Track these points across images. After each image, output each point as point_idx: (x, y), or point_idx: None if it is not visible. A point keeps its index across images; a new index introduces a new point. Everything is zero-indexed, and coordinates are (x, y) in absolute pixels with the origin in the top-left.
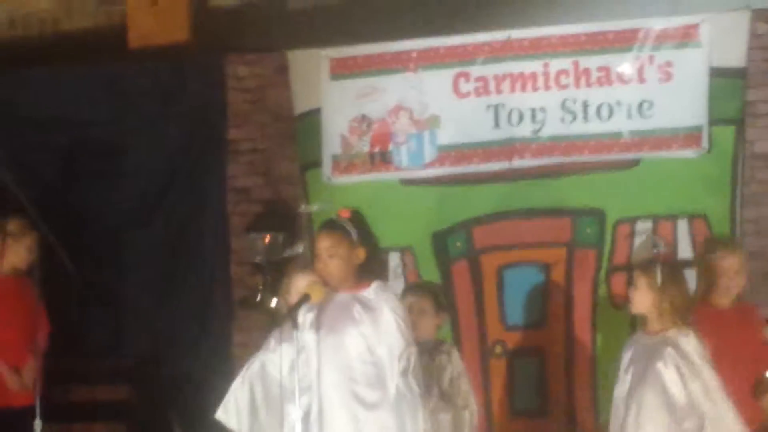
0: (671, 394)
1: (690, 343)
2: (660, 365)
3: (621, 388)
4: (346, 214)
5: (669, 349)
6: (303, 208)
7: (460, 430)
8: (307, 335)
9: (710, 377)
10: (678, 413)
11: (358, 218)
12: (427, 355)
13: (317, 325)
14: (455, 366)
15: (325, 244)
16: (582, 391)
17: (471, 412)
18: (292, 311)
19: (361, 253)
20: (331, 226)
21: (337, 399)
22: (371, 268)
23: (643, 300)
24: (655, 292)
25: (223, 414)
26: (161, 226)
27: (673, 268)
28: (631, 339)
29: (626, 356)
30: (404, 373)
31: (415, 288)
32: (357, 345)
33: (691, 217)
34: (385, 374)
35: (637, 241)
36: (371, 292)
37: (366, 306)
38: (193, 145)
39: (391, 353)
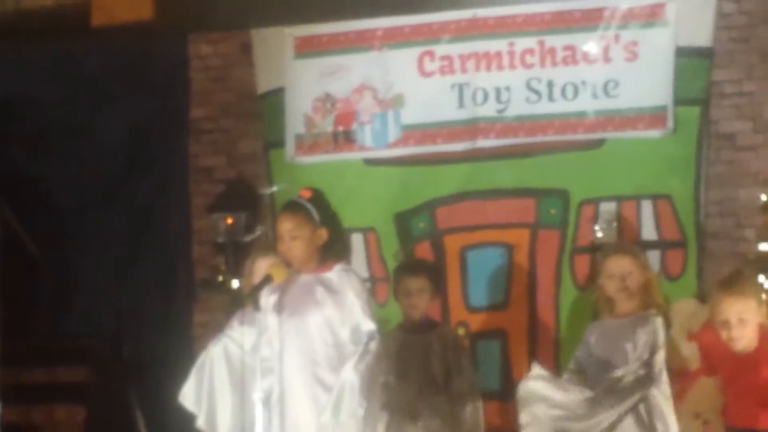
0: (632, 370)
1: (653, 327)
2: (628, 346)
3: (582, 361)
4: (307, 194)
5: (639, 330)
6: (265, 189)
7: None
8: (269, 317)
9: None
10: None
11: (319, 198)
12: (427, 335)
13: (279, 307)
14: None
15: (287, 225)
16: None
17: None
18: (254, 292)
19: (323, 234)
20: (293, 207)
21: (299, 381)
22: (334, 249)
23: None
24: (645, 270)
25: (182, 397)
26: (123, 206)
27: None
28: (597, 322)
29: (591, 336)
30: (361, 359)
31: (411, 268)
32: (320, 327)
33: (656, 198)
34: (347, 355)
35: (600, 221)
36: (334, 273)
37: (329, 288)
38: (155, 125)
39: (354, 333)
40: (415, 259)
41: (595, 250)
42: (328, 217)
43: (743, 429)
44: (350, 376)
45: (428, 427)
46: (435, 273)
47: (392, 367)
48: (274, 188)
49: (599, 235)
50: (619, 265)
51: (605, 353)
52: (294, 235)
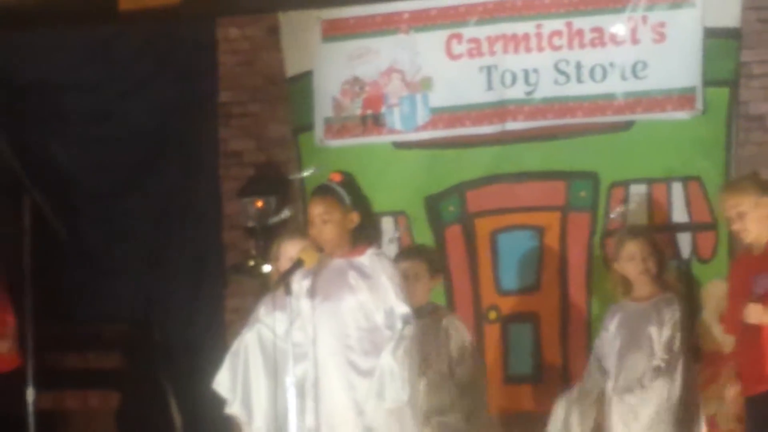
0: (658, 356)
1: (676, 309)
2: (652, 330)
3: (601, 351)
4: (337, 177)
5: (663, 314)
6: (295, 173)
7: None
8: (302, 302)
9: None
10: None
11: (350, 182)
12: (427, 319)
13: (312, 292)
14: (463, 336)
15: (318, 209)
16: (576, 356)
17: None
18: (285, 277)
19: (354, 218)
20: (324, 190)
21: (333, 366)
22: (366, 233)
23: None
24: (654, 255)
25: (217, 384)
26: (153, 191)
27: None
28: (616, 306)
29: (612, 322)
30: (398, 344)
31: (408, 253)
32: (353, 312)
33: (686, 180)
34: (382, 342)
35: (631, 203)
36: (367, 258)
37: (362, 272)
38: (184, 109)
39: (388, 321)
40: (415, 245)
41: (610, 234)
42: (359, 201)
43: (757, 395)
44: (389, 361)
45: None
46: (433, 257)
47: None
48: (305, 173)
49: (612, 217)
50: (639, 247)
51: (628, 338)
52: (325, 219)
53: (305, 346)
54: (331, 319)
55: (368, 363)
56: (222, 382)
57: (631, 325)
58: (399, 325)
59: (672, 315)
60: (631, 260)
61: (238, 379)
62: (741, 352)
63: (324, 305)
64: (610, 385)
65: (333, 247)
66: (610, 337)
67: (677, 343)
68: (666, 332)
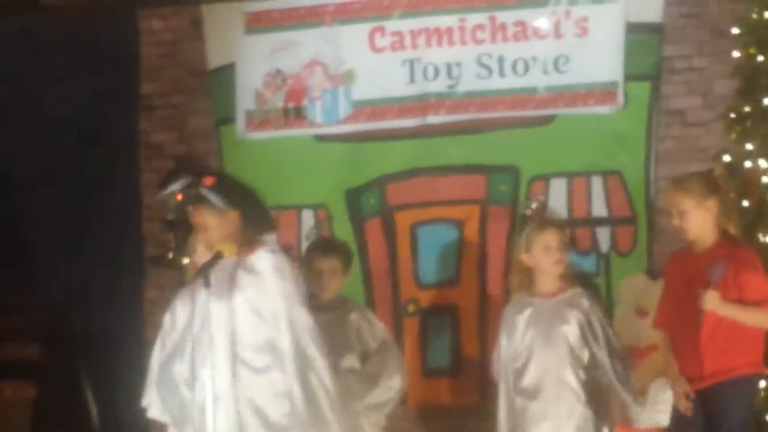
0: (576, 355)
1: (588, 304)
2: (566, 328)
3: (513, 349)
4: (209, 182)
5: (574, 312)
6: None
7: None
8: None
9: (613, 339)
10: (579, 376)
11: (223, 181)
12: (336, 312)
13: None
14: (377, 329)
15: (196, 219)
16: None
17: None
18: (204, 269)
19: (233, 216)
20: (196, 198)
21: (225, 364)
22: (253, 226)
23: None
24: (564, 251)
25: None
26: (72, 181)
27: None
28: (519, 301)
29: (520, 317)
30: (295, 334)
31: (324, 248)
32: (243, 310)
33: (606, 174)
34: (273, 338)
35: (551, 197)
36: (256, 256)
37: (250, 270)
38: (105, 100)
39: (276, 316)
40: (327, 239)
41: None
42: (234, 198)
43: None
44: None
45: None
46: (347, 253)
47: None
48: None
49: (525, 210)
50: (556, 237)
51: (540, 337)
52: (203, 228)
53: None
54: (221, 319)
55: (261, 360)
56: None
57: (544, 322)
58: (283, 324)
59: (594, 311)
60: (546, 250)
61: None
62: (678, 349)
63: (215, 305)
64: (505, 388)
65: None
66: (518, 335)
67: (614, 342)
68: (584, 331)
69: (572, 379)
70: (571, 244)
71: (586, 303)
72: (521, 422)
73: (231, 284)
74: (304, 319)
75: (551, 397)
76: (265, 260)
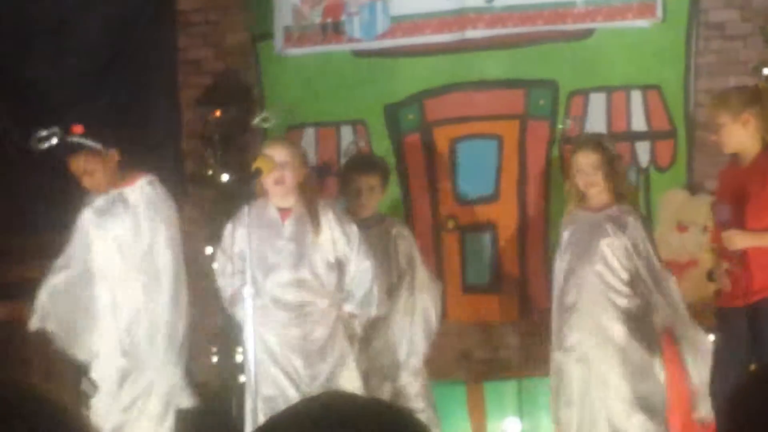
0: (614, 269)
1: (635, 221)
2: (603, 243)
3: (560, 265)
4: (78, 130)
5: (616, 226)
6: (257, 121)
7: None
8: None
9: (655, 259)
10: (619, 291)
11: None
12: (375, 229)
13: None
14: (411, 244)
15: (76, 165)
16: (534, 265)
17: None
18: (245, 186)
19: (114, 155)
20: (75, 147)
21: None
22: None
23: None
24: (604, 167)
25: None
26: (109, 99)
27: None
28: (570, 216)
29: (565, 233)
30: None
31: (365, 165)
32: (117, 241)
33: (645, 89)
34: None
35: (590, 112)
36: (134, 188)
37: (125, 204)
38: (142, 17)
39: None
40: (365, 156)
41: (565, 142)
42: (111, 137)
43: (733, 307)
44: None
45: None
46: (385, 170)
47: None
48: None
49: (560, 127)
50: (587, 159)
51: (579, 249)
52: (86, 170)
53: None
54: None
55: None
56: None
57: (583, 237)
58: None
59: (634, 227)
60: (579, 172)
61: None
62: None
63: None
64: (554, 305)
65: (102, 187)
66: (560, 251)
67: (655, 263)
68: (626, 246)
69: (610, 295)
70: (616, 161)
71: (630, 218)
72: (560, 338)
73: (110, 218)
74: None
75: (586, 312)
76: (140, 193)
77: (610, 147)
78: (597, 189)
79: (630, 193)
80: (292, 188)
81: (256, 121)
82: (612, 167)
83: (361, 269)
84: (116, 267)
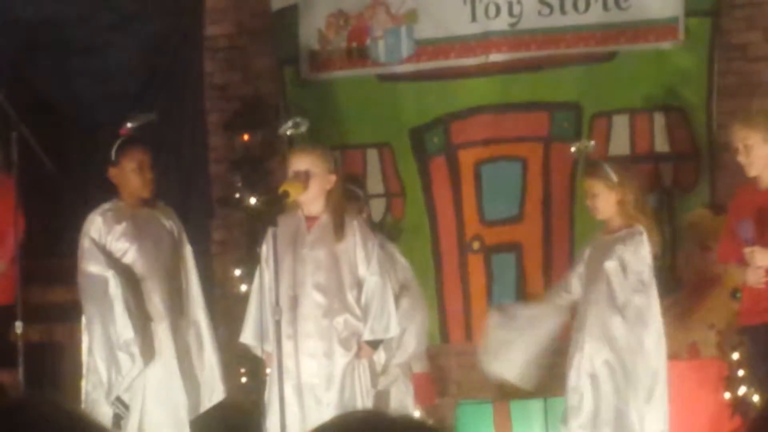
0: (616, 294)
1: (641, 241)
2: (607, 265)
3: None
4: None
5: (619, 246)
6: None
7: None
8: None
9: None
10: (623, 311)
11: None
12: None
13: None
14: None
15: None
16: None
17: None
18: (270, 209)
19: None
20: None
21: None
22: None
23: (607, 203)
24: (616, 189)
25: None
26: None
27: (617, 163)
28: (591, 241)
29: (583, 257)
30: None
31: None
32: None
33: (668, 110)
34: None
35: (613, 134)
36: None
37: None
38: (170, 42)
39: None
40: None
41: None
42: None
43: (758, 325)
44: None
45: None
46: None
47: None
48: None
49: (572, 150)
50: (588, 185)
51: (590, 273)
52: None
53: None
54: None
55: None
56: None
57: (595, 259)
58: None
59: (635, 248)
60: (586, 196)
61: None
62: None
63: None
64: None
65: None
66: (580, 271)
67: (646, 278)
68: (628, 265)
69: (609, 317)
70: (620, 187)
71: (633, 239)
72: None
73: None
74: None
75: (588, 331)
76: None
77: (610, 173)
78: (598, 215)
79: (645, 216)
80: (319, 195)
81: (287, 126)
82: (616, 192)
83: (371, 285)
84: None
